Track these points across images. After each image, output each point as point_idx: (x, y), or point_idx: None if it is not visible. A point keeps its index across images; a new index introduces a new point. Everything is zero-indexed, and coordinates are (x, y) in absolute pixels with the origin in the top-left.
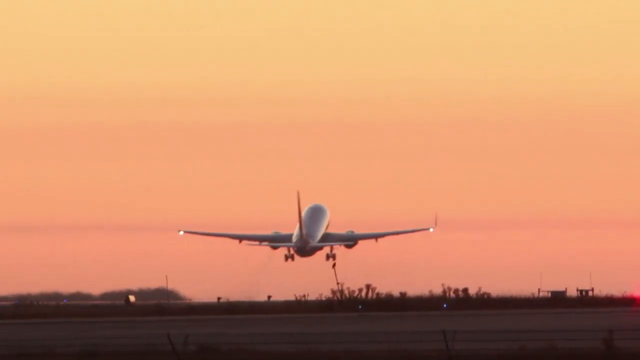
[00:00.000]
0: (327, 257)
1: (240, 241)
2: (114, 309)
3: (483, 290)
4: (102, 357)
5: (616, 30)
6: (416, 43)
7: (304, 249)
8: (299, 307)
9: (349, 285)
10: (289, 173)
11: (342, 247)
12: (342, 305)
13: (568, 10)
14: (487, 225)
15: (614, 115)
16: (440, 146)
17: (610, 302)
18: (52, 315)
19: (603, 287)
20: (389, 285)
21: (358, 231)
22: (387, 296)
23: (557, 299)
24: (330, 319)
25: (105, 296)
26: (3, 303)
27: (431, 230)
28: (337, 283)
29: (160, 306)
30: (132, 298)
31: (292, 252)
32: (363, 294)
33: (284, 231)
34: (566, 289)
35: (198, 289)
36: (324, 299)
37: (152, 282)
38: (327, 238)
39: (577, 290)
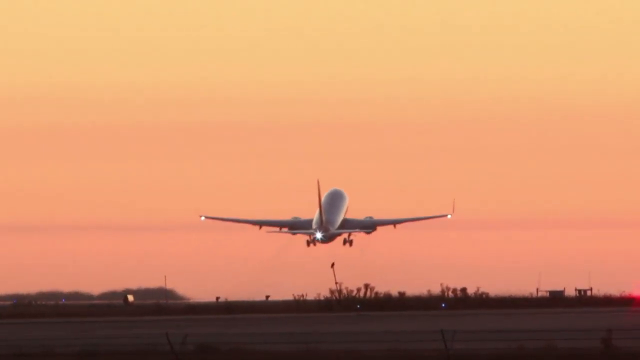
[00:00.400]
0: (344, 241)
1: (260, 227)
2: (113, 309)
3: (482, 289)
4: (102, 356)
5: (616, 30)
6: (416, 43)
7: (325, 236)
8: (297, 307)
9: (347, 284)
10: (289, 173)
11: (361, 234)
12: (341, 304)
13: (568, 10)
14: (486, 225)
15: (614, 115)
16: (440, 146)
17: (608, 301)
18: (50, 315)
19: (601, 287)
20: (387, 284)
21: (377, 217)
22: (386, 296)
23: (556, 299)
24: (329, 318)
25: (104, 296)
26: (2, 303)
27: (449, 216)
28: (336, 283)
29: (159, 306)
30: (130, 298)
31: (312, 237)
32: (361, 293)
33: (303, 217)
34: (564, 288)
35: (197, 288)
36: (322, 298)
37: (151, 281)
38: (347, 224)
39: (576, 290)
